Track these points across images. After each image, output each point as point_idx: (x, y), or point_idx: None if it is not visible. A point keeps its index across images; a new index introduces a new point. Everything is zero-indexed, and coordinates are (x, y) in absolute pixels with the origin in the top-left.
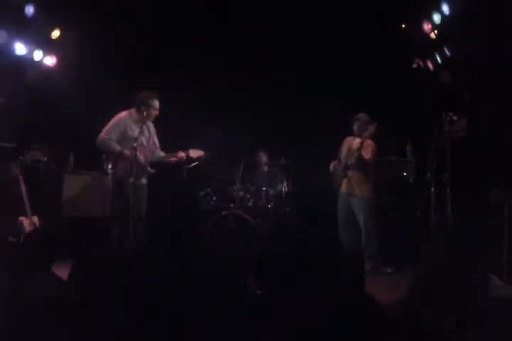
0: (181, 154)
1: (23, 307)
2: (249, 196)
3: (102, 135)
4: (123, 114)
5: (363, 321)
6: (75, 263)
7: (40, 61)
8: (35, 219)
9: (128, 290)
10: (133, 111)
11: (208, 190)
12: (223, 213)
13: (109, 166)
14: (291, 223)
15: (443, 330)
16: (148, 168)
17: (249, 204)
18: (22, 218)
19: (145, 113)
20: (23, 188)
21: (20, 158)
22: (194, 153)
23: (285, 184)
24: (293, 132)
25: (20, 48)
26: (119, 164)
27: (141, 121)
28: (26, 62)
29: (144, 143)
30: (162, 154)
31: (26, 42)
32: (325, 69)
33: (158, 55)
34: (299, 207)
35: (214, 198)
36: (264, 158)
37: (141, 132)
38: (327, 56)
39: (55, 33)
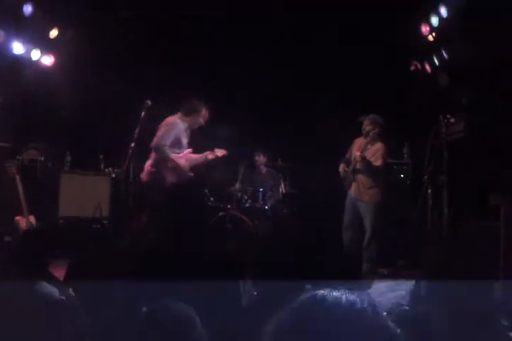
0: (211, 155)
1: (23, 307)
2: (246, 197)
3: (159, 140)
4: (175, 120)
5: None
6: (71, 263)
7: (38, 60)
8: (32, 218)
9: (126, 290)
10: (182, 117)
11: (206, 190)
12: (220, 214)
13: (153, 169)
14: (287, 224)
15: (447, 330)
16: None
17: (247, 205)
18: (18, 217)
19: (195, 121)
20: (20, 188)
21: (17, 157)
22: (220, 152)
23: (282, 185)
24: (291, 133)
25: (18, 48)
26: (166, 170)
27: (189, 128)
28: (24, 61)
29: (187, 147)
30: (194, 155)
31: (24, 42)
32: (323, 71)
33: (157, 55)
34: (296, 208)
35: (212, 199)
36: (262, 159)
37: (188, 137)
38: (325, 57)
39: (53, 33)
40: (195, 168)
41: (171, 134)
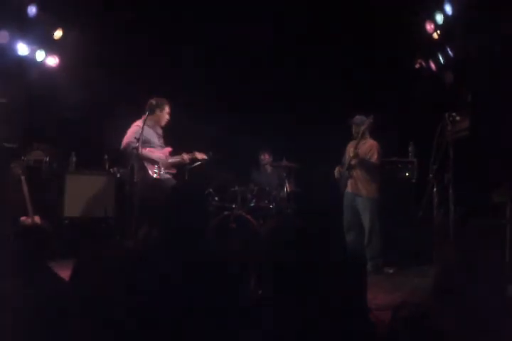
0: (186, 156)
1: (24, 307)
2: (251, 196)
3: (126, 141)
4: (138, 122)
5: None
6: (77, 262)
7: (43, 61)
8: (37, 219)
9: (128, 290)
10: (148, 117)
11: (210, 190)
12: (225, 213)
13: (134, 169)
14: (292, 223)
15: (455, 331)
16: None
17: (251, 205)
18: (24, 218)
19: (159, 117)
20: (25, 188)
21: (22, 158)
22: (200, 155)
23: (287, 184)
24: (295, 132)
25: (22, 48)
26: (146, 166)
27: (156, 126)
28: (28, 62)
29: (161, 145)
30: (170, 159)
31: (29, 43)
32: (327, 70)
33: (160, 56)
34: (300, 208)
35: (216, 198)
36: (268, 158)
37: (159, 135)
38: (329, 56)
39: (58, 34)
40: (178, 166)
41: (136, 134)
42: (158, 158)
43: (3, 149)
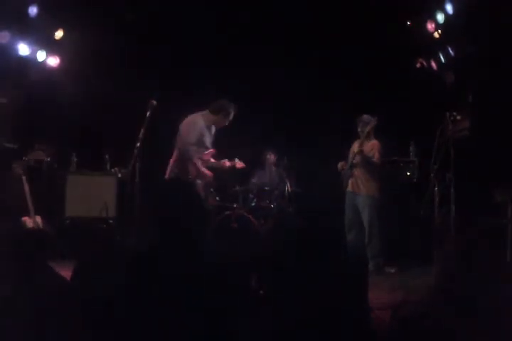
0: (228, 163)
1: (24, 307)
2: (252, 196)
3: (185, 141)
4: (196, 118)
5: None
6: (78, 263)
7: (44, 61)
8: (38, 219)
9: (129, 290)
10: (207, 115)
11: (211, 189)
12: (226, 213)
13: (174, 169)
14: (293, 223)
15: (455, 330)
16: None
17: (252, 204)
18: (25, 218)
19: (220, 120)
20: (26, 188)
21: (23, 158)
22: (239, 164)
23: (288, 184)
24: (296, 132)
25: (23, 49)
26: (189, 168)
27: (212, 126)
28: (29, 62)
29: (209, 146)
30: (213, 160)
31: (29, 43)
32: (328, 69)
33: (160, 56)
34: (301, 207)
35: (217, 198)
36: (272, 158)
37: (211, 135)
38: (329, 56)
39: (59, 34)
40: (215, 170)
41: (194, 133)
42: (205, 173)
43: (3, 149)
